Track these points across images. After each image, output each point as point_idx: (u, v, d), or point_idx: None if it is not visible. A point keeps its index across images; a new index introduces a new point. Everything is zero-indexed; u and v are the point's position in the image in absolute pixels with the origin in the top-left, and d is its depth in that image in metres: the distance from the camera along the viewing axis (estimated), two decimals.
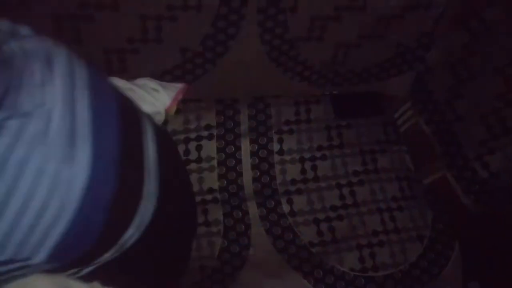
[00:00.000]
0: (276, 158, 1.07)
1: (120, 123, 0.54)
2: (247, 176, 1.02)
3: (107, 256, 0.57)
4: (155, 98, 0.98)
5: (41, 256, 0.46)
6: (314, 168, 1.07)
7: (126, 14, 0.94)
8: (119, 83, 0.94)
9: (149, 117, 0.70)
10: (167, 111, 1.00)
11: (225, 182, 1.01)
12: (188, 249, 0.89)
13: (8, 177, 0.42)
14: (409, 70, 1.14)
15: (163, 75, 1.04)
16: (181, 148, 1.01)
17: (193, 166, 1.00)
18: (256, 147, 1.06)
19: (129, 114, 0.61)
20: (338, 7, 1.03)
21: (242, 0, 0.97)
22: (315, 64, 1.11)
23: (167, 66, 1.03)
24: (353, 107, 1.17)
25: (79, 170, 0.47)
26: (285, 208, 1.01)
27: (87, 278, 0.63)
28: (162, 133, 0.80)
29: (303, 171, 1.07)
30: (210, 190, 1.00)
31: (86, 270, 0.60)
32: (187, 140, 1.03)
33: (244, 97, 1.11)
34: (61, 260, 0.51)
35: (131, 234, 0.58)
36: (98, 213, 0.50)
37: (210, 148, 1.03)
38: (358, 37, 1.09)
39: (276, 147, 1.08)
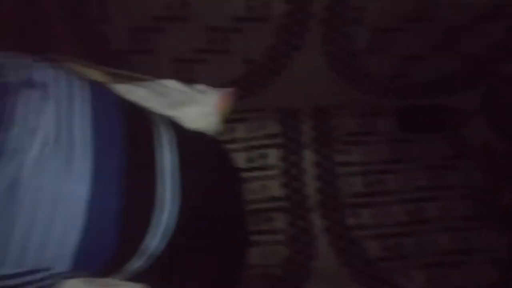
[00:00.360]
0: (340, 169, 1.04)
1: (125, 135, 0.58)
2: (311, 186, 1.01)
3: (136, 264, 0.58)
4: (203, 98, 0.99)
5: (63, 265, 0.50)
6: (379, 181, 1.04)
7: (194, 26, 0.98)
8: (171, 84, 0.96)
9: (170, 122, 0.72)
10: (219, 111, 1.00)
11: (289, 191, 1.00)
12: (240, 257, 0.87)
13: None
14: (479, 83, 1.09)
15: (228, 86, 1.06)
16: (243, 156, 1.02)
17: (256, 173, 1.01)
18: (320, 158, 1.05)
19: (138, 124, 0.64)
20: (404, 19, 1.02)
21: (306, 11, 0.98)
22: (379, 76, 1.09)
23: (232, 77, 1.05)
24: (419, 121, 1.13)
25: (79, 184, 0.50)
26: (351, 221, 0.98)
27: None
28: (195, 136, 0.81)
29: (368, 184, 1.04)
30: (274, 199, 0.99)
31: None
32: (250, 148, 1.04)
33: (307, 107, 1.10)
34: (87, 268, 0.54)
35: (156, 241, 0.59)
36: (108, 223, 0.53)
37: (274, 156, 1.03)
38: (424, 49, 1.07)
39: (340, 158, 1.06)
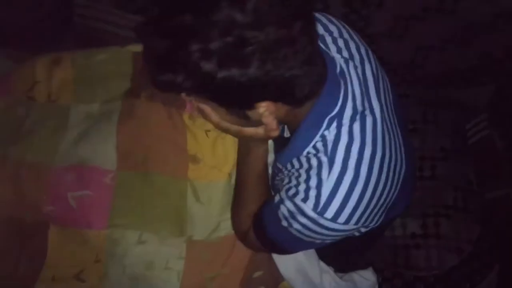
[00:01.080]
0: None
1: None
2: None
3: None
4: None
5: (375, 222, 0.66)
6: None
7: None
8: None
9: None
10: None
11: None
12: None
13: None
14: (491, 82, 1.10)
15: None
16: None
17: None
18: None
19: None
20: (426, 8, 1.03)
21: None
22: (392, 62, 1.12)
23: None
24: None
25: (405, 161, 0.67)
26: None
27: None
28: None
29: None
30: None
31: None
32: None
33: None
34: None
35: None
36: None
37: None
38: (441, 41, 1.08)
39: None
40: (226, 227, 0.85)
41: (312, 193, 0.60)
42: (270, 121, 0.60)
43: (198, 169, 0.90)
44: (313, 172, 0.61)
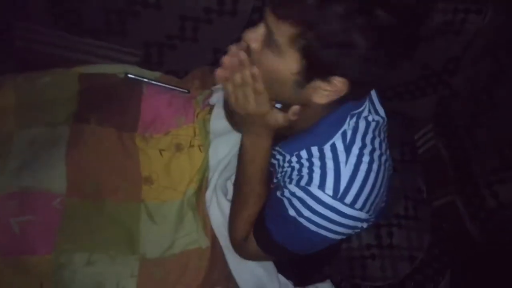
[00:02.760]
0: None
1: None
2: None
3: None
4: None
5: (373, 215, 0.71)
6: None
7: (167, 13, 1.04)
8: None
9: None
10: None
11: None
12: None
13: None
14: (433, 93, 1.16)
15: None
16: None
17: None
18: None
19: None
20: None
21: None
22: None
23: (200, 64, 1.12)
24: None
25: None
26: None
27: None
28: None
29: None
30: None
31: None
32: None
33: None
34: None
35: None
36: None
37: None
38: None
39: None
40: (180, 245, 0.85)
41: (330, 179, 0.65)
42: (320, 101, 0.62)
43: (152, 190, 0.90)
44: (329, 160, 0.66)
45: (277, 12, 0.57)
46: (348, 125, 0.68)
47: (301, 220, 0.67)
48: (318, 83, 0.61)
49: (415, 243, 1.07)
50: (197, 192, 0.90)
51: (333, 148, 0.67)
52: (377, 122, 0.71)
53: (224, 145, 0.91)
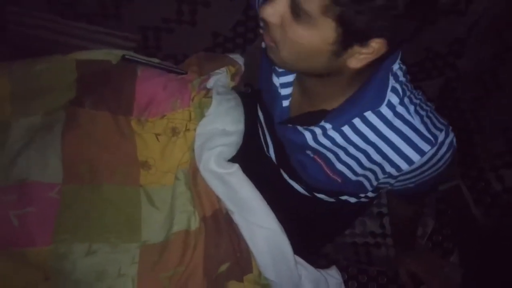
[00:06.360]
0: None
1: None
2: None
3: None
4: None
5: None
6: None
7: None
8: None
9: None
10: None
11: None
12: None
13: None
14: (438, 76, 1.16)
15: None
16: None
17: None
18: None
19: None
20: None
21: None
22: None
23: (198, 48, 1.11)
24: None
25: None
26: None
27: None
28: None
29: None
30: None
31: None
32: None
33: None
34: None
35: None
36: None
37: None
38: None
39: None
40: (177, 222, 0.86)
41: (414, 137, 0.69)
42: (357, 65, 0.62)
43: (150, 175, 0.91)
44: (395, 119, 0.69)
45: None
46: (392, 80, 0.69)
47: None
48: (356, 49, 0.60)
49: (420, 230, 1.08)
50: (190, 169, 0.91)
51: (390, 105, 0.68)
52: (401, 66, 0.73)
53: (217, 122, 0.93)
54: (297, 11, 0.58)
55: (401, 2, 0.54)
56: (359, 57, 0.61)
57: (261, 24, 0.64)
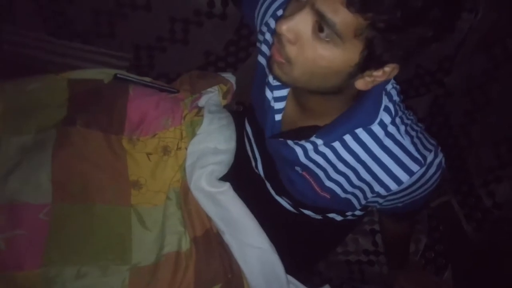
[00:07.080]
0: None
1: None
2: None
3: None
4: None
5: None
6: None
7: (156, 15, 1.05)
8: None
9: None
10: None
11: None
12: None
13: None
14: (427, 93, 1.17)
15: None
16: None
17: None
18: None
19: None
20: None
21: None
22: None
23: (191, 67, 1.13)
24: None
25: None
26: None
27: None
28: None
29: None
30: None
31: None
32: None
33: None
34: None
35: None
36: None
37: None
38: None
39: None
40: (168, 244, 0.86)
41: (403, 157, 0.70)
42: (365, 87, 0.63)
43: (141, 195, 0.91)
44: (386, 138, 0.70)
45: (354, 5, 0.53)
46: (385, 99, 0.70)
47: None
48: (371, 72, 0.61)
49: (412, 247, 1.09)
50: (181, 188, 0.92)
51: (382, 124, 0.69)
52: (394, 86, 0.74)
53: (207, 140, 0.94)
54: (321, 29, 0.56)
55: (430, 32, 0.54)
56: (368, 80, 0.62)
57: (273, 38, 0.62)
